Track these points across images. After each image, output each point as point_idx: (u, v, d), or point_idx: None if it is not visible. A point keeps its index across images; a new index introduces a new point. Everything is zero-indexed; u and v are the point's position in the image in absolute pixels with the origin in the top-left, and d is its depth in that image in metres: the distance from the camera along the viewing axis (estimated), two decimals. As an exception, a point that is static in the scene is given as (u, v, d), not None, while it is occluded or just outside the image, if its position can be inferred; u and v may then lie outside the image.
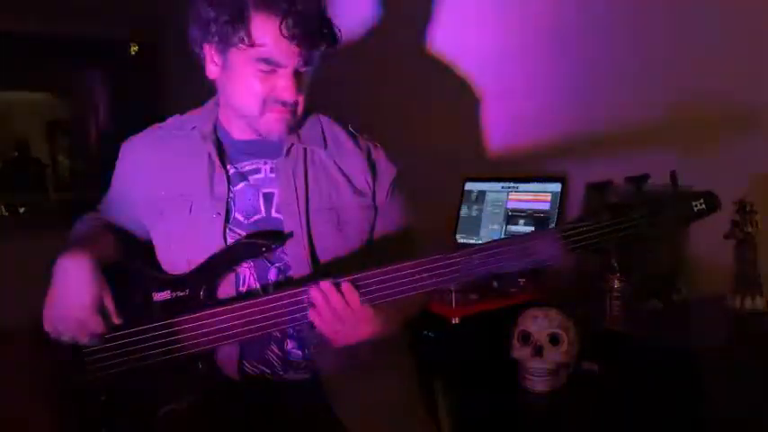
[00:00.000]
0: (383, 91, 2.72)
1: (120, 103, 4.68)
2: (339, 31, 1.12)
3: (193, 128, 1.20)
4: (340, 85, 2.80)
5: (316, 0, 1.07)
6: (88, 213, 1.30)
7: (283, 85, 1.07)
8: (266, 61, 1.06)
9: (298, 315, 1.02)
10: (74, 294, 1.04)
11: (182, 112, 1.26)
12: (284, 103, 1.09)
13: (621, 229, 0.95)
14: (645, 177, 0.97)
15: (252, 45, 1.04)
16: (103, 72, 4.78)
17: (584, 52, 1.92)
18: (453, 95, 2.39)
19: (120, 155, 1.24)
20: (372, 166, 1.20)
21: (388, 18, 2.71)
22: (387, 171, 1.22)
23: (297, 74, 1.08)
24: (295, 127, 1.16)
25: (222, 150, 1.17)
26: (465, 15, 2.36)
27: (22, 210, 4.59)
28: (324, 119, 1.23)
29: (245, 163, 1.17)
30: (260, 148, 1.17)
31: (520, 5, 2.14)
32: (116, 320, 1.07)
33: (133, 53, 4.62)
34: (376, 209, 1.20)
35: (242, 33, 1.04)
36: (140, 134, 1.24)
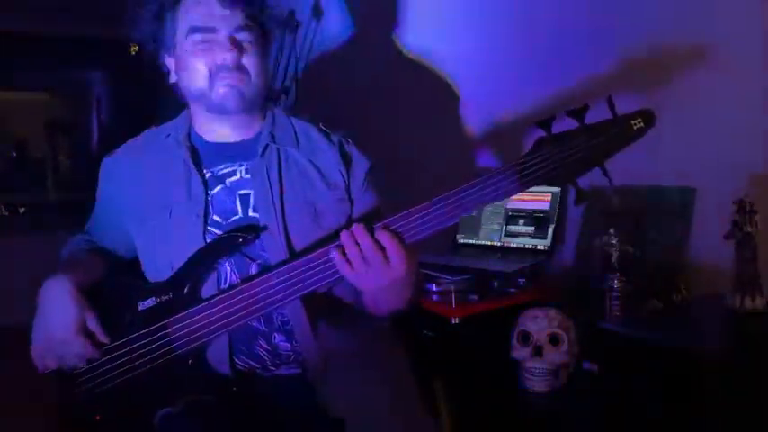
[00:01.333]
0: (383, 92, 2.72)
1: (120, 103, 4.68)
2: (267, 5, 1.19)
3: (168, 136, 1.23)
4: (341, 86, 2.81)
5: None
6: (77, 235, 1.33)
7: (220, 49, 1.12)
8: (199, 30, 1.12)
9: (324, 274, 1.04)
10: (56, 317, 1.07)
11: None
12: (228, 69, 1.12)
13: (568, 155, 1.00)
14: (585, 108, 1.01)
15: (183, 20, 1.12)
16: (103, 72, 4.78)
17: (584, 51, 1.92)
18: (454, 96, 2.39)
19: (100, 173, 1.28)
20: (346, 160, 1.23)
21: (387, 20, 2.71)
22: (360, 163, 1.24)
23: (234, 40, 1.12)
24: (253, 100, 1.17)
25: (197, 156, 1.20)
26: (467, 18, 2.36)
27: (22, 210, 4.59)
28: (295, 120, 1.26)
29: (221, 166, 1.19)
30: (234, 151, 1.20)
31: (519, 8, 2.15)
32: (102, 339, 1.09)
33: (133, 53, 4.61)
34: (351, 201, 1.22)
35: (175, 14, 1.13)
36: (117, 150, 1.28)
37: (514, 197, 1.98)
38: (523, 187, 1.00)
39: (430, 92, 2.46)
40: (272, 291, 1.04)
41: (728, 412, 1.21)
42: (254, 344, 1.15)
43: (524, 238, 1.93)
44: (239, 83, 1.13)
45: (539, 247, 1.89)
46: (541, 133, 1.02)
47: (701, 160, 1.61)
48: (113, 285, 1.16)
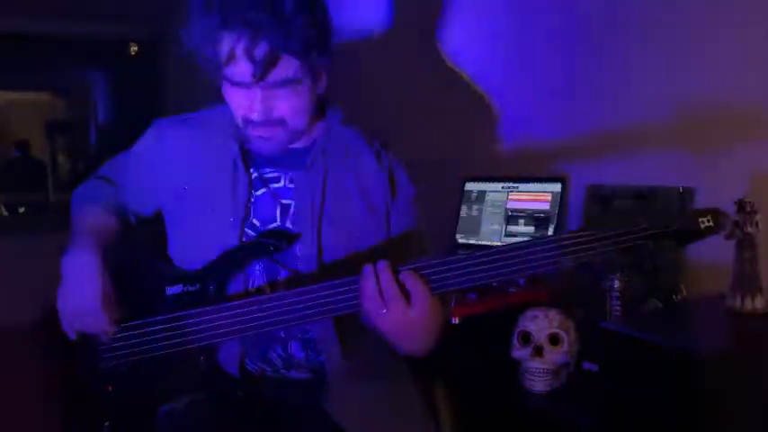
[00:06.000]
0: (384, 91, 2.72)
1: (120, 103, 4.68)
2: (327, 39, 1.05)
3: (221, 125, 1.18)
4: (341, 84, 2.80)
5: (294, 7, 0.98)
6: (96, 182, 1.28)
7: (252, 101, 1.04)
8: (228, 79, 1.05)
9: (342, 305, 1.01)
10: (83, 287, 1.05)
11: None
12: (258, 124, 1.06)
13: (624, 242, 0.91)
14: (654, 192, 0.97)
15: (221, 63, 1.02)
16: (103, 72, 4.78)
17: (586, 53, 1.92)
18: (454, 95, 2.39)
19: (151, 131, 1.23)
20: (392, 186, 1.20)
21: (389, 20, 2.70)
22: (406, 190, 1.21)
23: (266, 95, 1.03)
24: (292, 139, 1.14)
25: (247, 153, 1.17)
26: (465, 17, 2.36)
27: (22, 210, 4.59)
28: (350, 132, 1.21)
29: (268, 169, 1.17)
30: (282, 158, 1.16)
31: (521, 9, 2.14)
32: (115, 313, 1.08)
33: (133, 53, 4.61)
34: (390, 226, 1.20)
35: (213, 54, 1.02)
36: (172, 119, 1.23)
37: (514, 196, 2.00)
38: (568, 263, 0.93)
39: (450, 90, 2.41)
40: (292, 308, 1.02)
41: (728, 412, 1.21)
42: (269, 350, 1.15)
43: (525, 239, 1.93)
44: (272, 134, 1.08)
45: (539, 247, 1.88)
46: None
47: (702, 160, 1.61)
48: (145, 263, 1.17)
